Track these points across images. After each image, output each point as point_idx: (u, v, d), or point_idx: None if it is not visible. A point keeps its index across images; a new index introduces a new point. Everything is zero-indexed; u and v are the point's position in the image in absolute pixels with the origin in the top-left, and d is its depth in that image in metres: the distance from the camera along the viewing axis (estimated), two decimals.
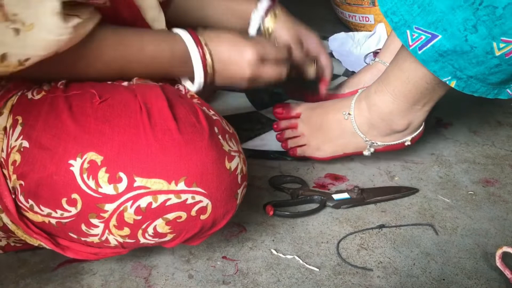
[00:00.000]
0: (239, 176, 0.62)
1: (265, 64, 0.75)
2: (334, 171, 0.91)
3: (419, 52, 0.68)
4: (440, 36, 0.65)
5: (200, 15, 0.89)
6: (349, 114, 0.84)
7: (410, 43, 0.68)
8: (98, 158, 0.56)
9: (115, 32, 0.65)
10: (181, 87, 0.72)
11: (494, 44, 0.63)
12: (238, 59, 0.72)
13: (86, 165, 0.56)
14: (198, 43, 0.70)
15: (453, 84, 0.70)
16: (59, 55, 0.58)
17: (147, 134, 0.57)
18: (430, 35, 0.66)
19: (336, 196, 0.82)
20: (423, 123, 0.83)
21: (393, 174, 0.90)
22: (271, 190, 0.86)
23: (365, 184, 0.88)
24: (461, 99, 1.12)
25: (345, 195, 0.83)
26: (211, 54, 0.71)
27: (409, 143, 0.84)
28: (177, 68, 0.71)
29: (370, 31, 1.35)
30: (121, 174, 0.56)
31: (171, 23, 0.78)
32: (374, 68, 1.01)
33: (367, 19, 1.37)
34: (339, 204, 0.82)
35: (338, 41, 1.34)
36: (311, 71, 0.90)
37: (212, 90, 1.12)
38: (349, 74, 1.24)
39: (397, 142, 0.84)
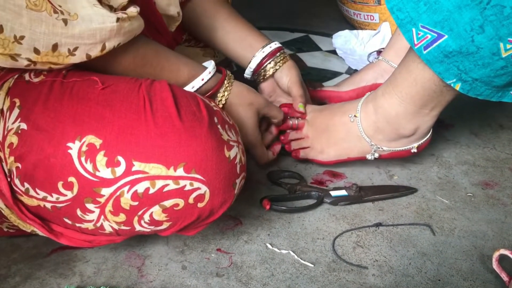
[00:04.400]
0: (238, 166, 0.62)
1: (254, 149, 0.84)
2: (333, 168, 0.90)
3: (424, 52, 0.67)
4: (446, 36, 0.64)
5: (209, 34, 0.91)
6: (355, 116, 0.82)
7: (416, 42, 0.67)
8: (97, 142, 0.56)
9: (157, 50, 0.71)
10: None
11: (501, 45, 0.61)
12: (241, 128, 0.79)
13: (84, 148, 0.56)
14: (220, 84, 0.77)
15: (458, 87, 0.68)
16: (106, 58, 0.63)
17: (147, 120, 0.57)
18: (436, 35, 0.64)
19: (333, 193, 0.82)
20: (431, 131, 0.82)
21: (392, 173, 0.89)
22: (269, 185, 0.86)
23: (363, 182, 0.87)
24: (464, 101, 1.11)
25: (342, 192, 0.82)
26: (224, 107, 0.78)
27: (415, 150, 0.82)
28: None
29: (375, 29, 1.34)
30: (120, 158, 0.56)
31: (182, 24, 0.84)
32: (377, 66, 1.00)
33: (372, 18, 1.36)
34: (337, 201, 0.81)
35: (342, 38, 1.33)
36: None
37: None
38: (352, 72, 1.23)
39: (403, 148, 0.82)
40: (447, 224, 0.78)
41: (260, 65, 0.89)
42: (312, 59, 1.31)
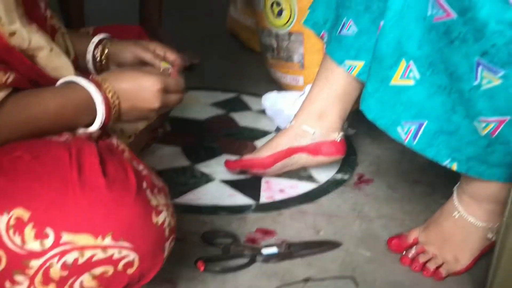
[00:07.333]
0: (167, 230, 0.65)
1: (169, 93, 0.76)
2: (265, 226, 0.95)
3: (414, 143, 0.73)
4: (426, 122, 0.71)
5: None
6: (458, 212, 0.83)
7: (404, 137, 0.74)
8: (26, 214, 0.57)
9: (15, 97, 0.64)
10: (113, 141, 0.72)
11: (476, 124, 0.67)
12: (145, 94, 0.72)
13: (12, 222, 0.57)
14: (99, 86, 0.69)
15: (454, 167, 0.73)
16: None
17: (75, 191, 0.59)
18: (417, 124, 0.72)
19: (265, 251, 0.86)
20: None
21: (318, 228, 0.95)
22: (204, 245, 0.89)
23: (293, 238, 0.92)
24: (382, 157, 1.21)
25: (273, 250, 0.87)
26: (118, 96, 0.71)
27: None
28: (86, 116, 0.70)
29: (301, 91, 1.43)
30: (48, 230, 0.57)
31: None
32: (290, 131, 1.07)
33: (297, 81, 1.46)
34: (268, 258, 0.85)
35: (271, 100, 1.41)
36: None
37: (146, 143, 1.15)
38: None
39: None
40: (369, 276, 0.84)
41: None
42: (243, 119, 1.38)
